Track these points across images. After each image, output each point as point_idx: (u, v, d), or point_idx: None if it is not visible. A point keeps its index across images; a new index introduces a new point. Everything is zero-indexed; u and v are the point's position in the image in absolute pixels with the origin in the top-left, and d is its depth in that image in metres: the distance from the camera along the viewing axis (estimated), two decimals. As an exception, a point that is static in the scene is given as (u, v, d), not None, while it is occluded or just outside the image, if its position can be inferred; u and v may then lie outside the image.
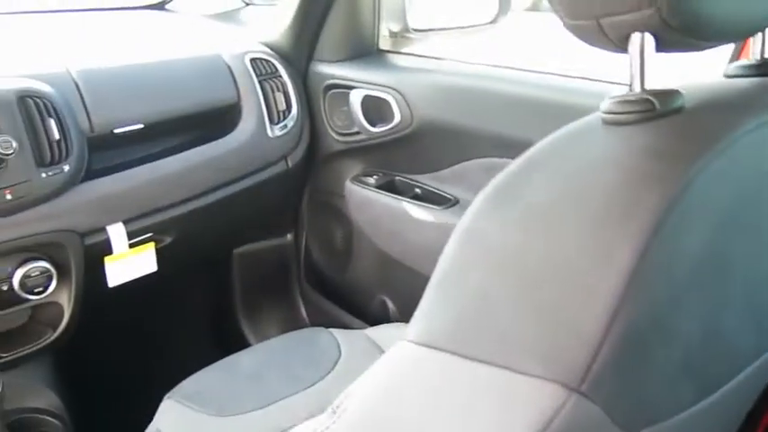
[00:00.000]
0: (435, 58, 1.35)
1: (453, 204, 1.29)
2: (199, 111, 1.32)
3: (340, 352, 1.18)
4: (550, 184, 0.43)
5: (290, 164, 1.45)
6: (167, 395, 1.09)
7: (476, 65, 1.25)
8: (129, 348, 1.58)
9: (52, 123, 1.08)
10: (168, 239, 1.33)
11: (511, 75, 1.18)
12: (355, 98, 1.36)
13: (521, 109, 1.14)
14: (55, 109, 1.09)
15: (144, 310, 1.56)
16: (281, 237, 1.73)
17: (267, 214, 1.61)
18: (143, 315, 1.58)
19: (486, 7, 1.43)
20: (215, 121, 1.35)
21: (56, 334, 1.21)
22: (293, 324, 1.79)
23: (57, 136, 1.09)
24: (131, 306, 1.44)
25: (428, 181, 1.37)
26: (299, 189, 1.60)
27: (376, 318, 1.56)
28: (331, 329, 1.25)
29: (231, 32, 1.55)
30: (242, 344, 1.78)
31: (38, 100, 1.08)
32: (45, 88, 1.10)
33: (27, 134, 1.06)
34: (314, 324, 1.77)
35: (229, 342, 1.82)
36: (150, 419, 1.11)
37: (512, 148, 1.17)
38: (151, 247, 1.29)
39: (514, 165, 0.46)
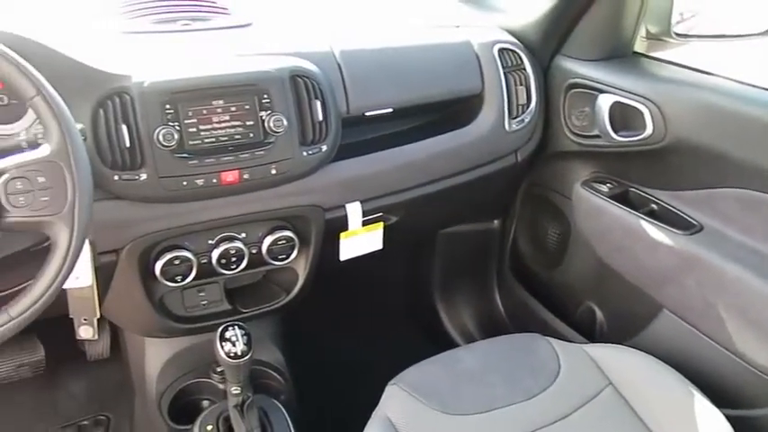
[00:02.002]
0: (701, 72, 1.25)
1: (697, 231, 1.22)
2: (444, 99, 1.32)
3: (559, 365, 1.17)
4: None
5: (519, 158, 1.43)
6: (392, 381, 1.13)
7: (755, 88, 1.15)
8: (340, 317, 1.66)
9: (318, 104, 1.12)
10: (393, 219, 1.36)
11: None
12: (604, 102, 1.30)
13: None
14: (321, 90, 1.13)
15: (355, 283, 1.63)
16: (487, 222, 1.73)
17: (484, 201, 1.61)
18: (354, 288, 1.65)
19: (760, 15, 1.31)
20: (456, 110, 1.35)
21: (289, 297, 1.29)
22: (486, 309, 1.81)
23: (320, 117, 1.13)
24: (348, 279, 1.50)
25: (667, 199, 1.30)
26: (519, 180, 1.58)
27: (579, 323, 1.53)
28: (548, 338, 1.24)
29: (472, 14, 1.51)
30: (435, 320, 1.83)
31: (307, 80, 1.12)
32: (313, 68, 1.14)
33: (295, 113, 1.11)
34: (508, 312, 1.77)
35: (423, 316, 1.88)
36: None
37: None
38: (380, 226, 1.33)
39: None
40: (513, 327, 1.75)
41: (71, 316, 1.04)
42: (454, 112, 1.35)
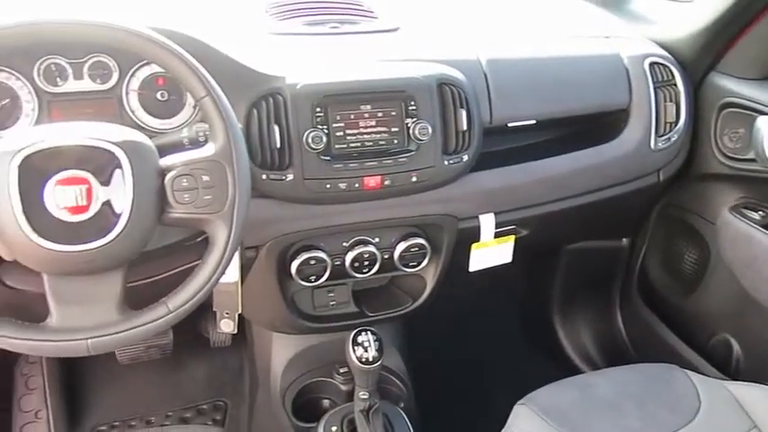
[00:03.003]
0: None
1: None
2: (588, 113, 1.27)
3: (699, 402, 1.10)
4: None
5: (661, 178, 1.37)
6: (520, 401, 1.10)
7: None
8: (457, 325, 1.65)
9: (463, 114, 1.10)
10: (524, 232, 1.33)
11: None
12: (764, 125, 1.21)
13: None
14: (467, 99, 1.11)
15: (475, 293, 1.61)
16: (615, 240, 1.66)
17: (616, 219, 1.54)
18: (473, 297, 1.63)
19: None
20: (600, 124, 1.30)
21: (416, 304, 1.29)
22: (607, 330, 1.74)
23: (464, 127, 1.11)
24: (469, 287, 1.48)
25: (828, 231, 1.20)
26: (657, 200, 1.51)
27: (710, 354, 1.45)
28: (687, 371, 1.17)
29: (621, 25, 1.45)
30: (552, 335, 1.78)
31: (453, 89, 1.10)
32: (460, 77, 1.12)
33: (440, 121, 1.09)
34: (630, 336, 1.70)
35: (538, 331, 1.83)
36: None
37: None
38: (512, 239, 1.30)
39: None
40: (635, 351, 1.68)
41: (214, 309, 1.06)
42: (597, 126, 1.30)
